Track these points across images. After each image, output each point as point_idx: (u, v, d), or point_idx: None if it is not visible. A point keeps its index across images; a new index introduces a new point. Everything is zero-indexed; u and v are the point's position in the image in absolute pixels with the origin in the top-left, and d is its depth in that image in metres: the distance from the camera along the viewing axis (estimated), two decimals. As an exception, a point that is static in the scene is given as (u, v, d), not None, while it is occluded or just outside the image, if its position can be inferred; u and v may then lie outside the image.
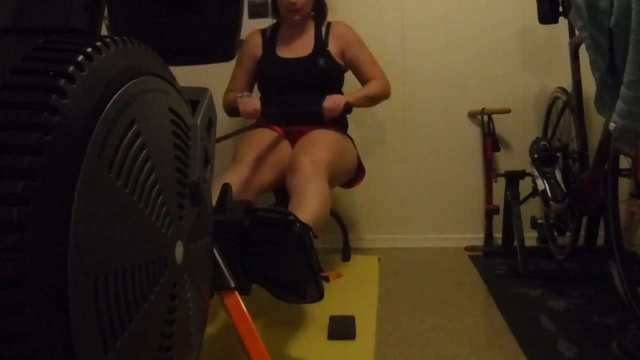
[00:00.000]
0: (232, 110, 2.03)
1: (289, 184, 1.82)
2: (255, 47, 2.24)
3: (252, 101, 2.02)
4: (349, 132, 2.25)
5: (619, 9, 1.43)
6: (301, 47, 2.20)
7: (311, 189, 1.73)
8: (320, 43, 2.21)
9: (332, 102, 2.00)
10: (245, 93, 2.10)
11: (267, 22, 2.46)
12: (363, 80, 2.24)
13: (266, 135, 2.06)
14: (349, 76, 2.30)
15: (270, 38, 2.25)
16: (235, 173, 1.84)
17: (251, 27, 2.33)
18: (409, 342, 1.55)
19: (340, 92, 2.20)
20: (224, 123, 2.24)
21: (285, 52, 2.20)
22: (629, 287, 1.60)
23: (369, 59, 2.24)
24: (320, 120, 2.03)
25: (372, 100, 2.20)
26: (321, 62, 2.16)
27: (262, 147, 1.98)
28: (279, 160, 1.99)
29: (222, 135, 2.00)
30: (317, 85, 2.14)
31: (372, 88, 2.18)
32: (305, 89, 2.12)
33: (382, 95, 2.22)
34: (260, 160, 1.93)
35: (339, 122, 2.15)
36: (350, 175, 2.17)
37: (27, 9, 0.71)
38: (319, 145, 1.94)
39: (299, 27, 2.23)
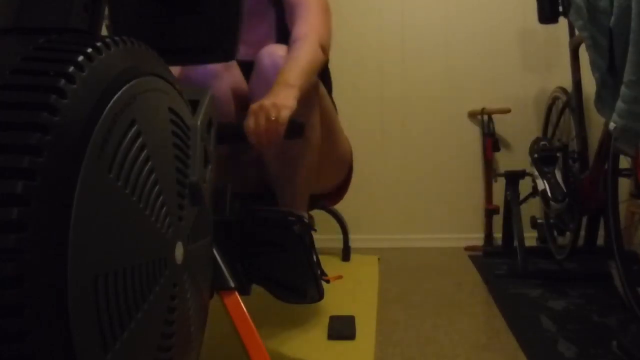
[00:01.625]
0: None
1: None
2: None
3: None
4: (347, 132, 1.88)
5: (619, 8, 1.43)
6: (261, 42, 1.56)
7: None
8: (285, 32, 1.56)
9: (260, 117, 1.16)
10: None
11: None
12: (290, 25, 1.51)
13: None
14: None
15: None
16: None
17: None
18: (409, 342, 1.55)
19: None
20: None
21: (242, 52, 1.49)
22: (629, 287, 1.60)
23: (303, 2, 1.50)
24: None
25: (314, 72, 1.38)
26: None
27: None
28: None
29: None
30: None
31: (303, 57, 1.35)
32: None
33: (319, 60, 1.41)
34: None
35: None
36: (340, 162, 1.72)
37: (27, 9, 0.71)
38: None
39: (255, 16, 1.62)
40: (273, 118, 1.13)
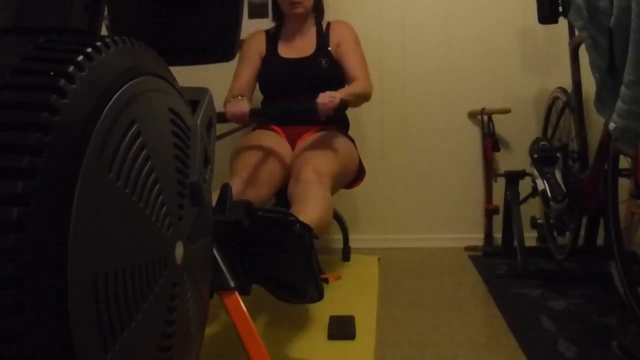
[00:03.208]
0: (219, 115, 1.87)
1: (291, 192, 1.81)
2: (261, 44, 2.22)
3: (240, 104, 1.93)
4: (349, 132, 2.24)
5: (619, 8, 1.43)
6: (303, 47, 2.19)
7: (314, 197, 1.72)
8: (322, 43, 2.20)
9: (326, 97, 1.91)
10: (239, 97, 2.02)
11: (266, 22, 2.46)
12: (348, 77, 2.16)
13: (264, 140, 2.03)
14: None
15: (273, 38, 2.24)
16: (233, 187, 1.74)
17: (251, 27, 2.33)
18: (409, 342, 1.54)
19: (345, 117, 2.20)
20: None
21: (287, 52, 2.20)
22: (629, 287, 1.60)
23: (357, 57, 2.18)
24: (315, 117, 1.94)
25: (358, 99, 2.10)
26: (323, 62, 2.15)
27: (259, 157, 1.94)
28: (278, 169, 1.97)
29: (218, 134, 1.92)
30: (319, 85, 2.08)
31: (357, 87, 2.10)
32: (307, 90, 2.08)
33: (366, 96, 2.13)
34: (257, 173, 1.90)
35: (339, 120, 2.13)
36: (351, 178, 2.16)
37: (27, 9, 0.71)
38: (322, 153, 1.93)
39: (301, 27, 2.22)
40: (331, 97, 1.92)
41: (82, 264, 0.58)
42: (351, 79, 2.14)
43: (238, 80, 2.17)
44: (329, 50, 2.18)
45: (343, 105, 1.94)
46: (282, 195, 2.00)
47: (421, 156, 2.73)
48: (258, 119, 2.06)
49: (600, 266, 2.06)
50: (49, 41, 0.64)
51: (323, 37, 2.22)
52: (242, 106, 1.92)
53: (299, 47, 2.20)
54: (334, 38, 2.21)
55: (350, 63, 2.16)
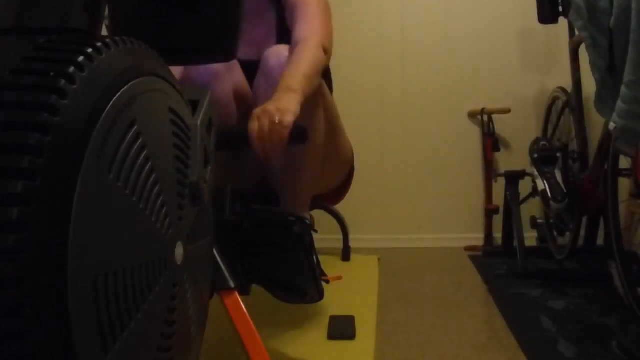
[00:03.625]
0: None
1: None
2: None
3: None
4: (347, 132, 1.92)
5: (619, 8, 1.43)
6: (261, 41, 1.60)
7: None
8: (284, 29, 1.57)
9: (264, 116, 1.14)
10: None
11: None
12: (291, 26, 1.51)
13: None
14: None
15: None
16: None
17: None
18: (409, 342, 1.55)
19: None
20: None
21: (243, 51, 1.45)
22: (629, 287, 1.60)
23: (303, 2, 1.48)
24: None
25: (317, 75, 1.37)
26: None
27: None
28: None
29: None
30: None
31: (305, 61, 1.33)
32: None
33: (322, 62, 1.40)
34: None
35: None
36: (341, 163, 1.73)
37: (27, 9, 0.71)
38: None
39: (255, 10, 1.61)
40: (277, 122, 1.10)
41: (82, 264, 0.58)
42: (294, 43, 1.42)
43: None
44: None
45: (300, 136, 1.15)
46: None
47: (421, 156, 2.73)
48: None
49: (600, 266, 2.06)
50: (49, 41, 0.64)
51: (284, 23, 1.58)
52: None
53: (256, 41, 1.60)
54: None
55: (293, 11, 1.48)
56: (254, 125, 1.12)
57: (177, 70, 1.42)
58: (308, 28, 1.42)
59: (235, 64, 1.49)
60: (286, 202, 1.53)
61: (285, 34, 1.53)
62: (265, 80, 1.40)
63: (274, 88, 1.26)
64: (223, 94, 1.42)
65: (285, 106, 1.14)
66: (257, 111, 1.15)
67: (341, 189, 1.85)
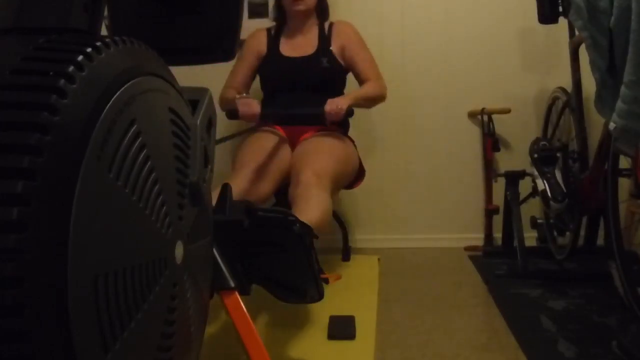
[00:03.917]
0: (231, 112, 2.02)
1: (291, 194, 1.81)
2: (260, 43, 2.25)
3: (252, 104, 2.00)
4: (349, 132, 2.24)
5: (619, 8, 1.43)
6: (305, 45, 2.20)
7: (314, 200, 1.72)
8: (324, 42, 2.21)
9: (334, 105, 1.98)
10: (244, 94, 2.09)
11: (266, 22, 2.46)
12: (360, 80, 2.23)
13: (266, 139, 2.05)
14: (351, 77, 2.30)
15: (274, 37, 2.25)
16: (234, 184, 1.75)
17: (251, 27, 2.33)
18: (409, 342, 1.55)
19: (342, 93, 2.21)
20: (222, 122, 2.23)
21: (289, 50, 2.21)
22: (629, 287, 1.60)
23: (367, 59, 2.23)
24: (321, 122, 2.03)
25: (370, 102, 2.18)
26: (324, 61, 2.16)
27: (261, 155, 1.97)
28: (279, 168, 1.99)
29: (222, 136, 1.96)
30: (320, 84, 2.15)
31: (369, 89, 2.16)
32: (308, 89, 2.13)
33: (379, 97, 2.19)
34: (259, 170, 1.92)
35: (341, 123, 2.15)
36: (351, 179, 2.16)
37: (27, 9, 0.71)
38: (322, 155, 1.94)
39: (303, 25, 2.23)
40: (339, 105, 1.99)
41: (82, 264, 0.58)
42: (363, 80, 2.19)
43: (234, 77, 2.23)
44: (331, 50, 2.20)
45: (349, 113, 2.00)
46: (282, 196, 2.01)
47: (421, 156, 2.73)
48: (267, 119, 2.07)
49: (600, 266, 2.06)
50: (49, 41, 0.64)
51: (325, 37, 2.23)
52: (254, 107, 2.00)
53: (301, 45, 2.21)
54: (336, 38, 2.22)
55: (360, 64, 2.20)
56: (327, 107, 1.99)
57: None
58: (377, 76, 2.22)
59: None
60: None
61: (323, 45, 2.21)
62: (297, 189, 1.83)
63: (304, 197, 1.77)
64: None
65: (342, 101, 2.02)
66: (329, 100, 2.00)
67: (355, 180, 2.23)
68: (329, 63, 2.17)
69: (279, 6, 2.28)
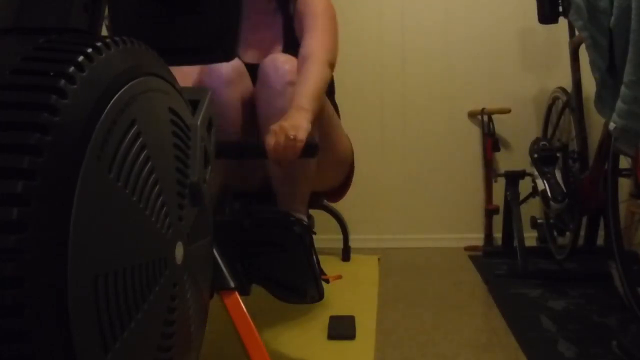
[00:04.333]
0: None
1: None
2: None
3: None
4: (347, 132, 1.91)
5: (619, 8, 1.43)
6: (267, 45, 1.64)
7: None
8: (291, 35, 1.62)
9: (280, 134, 1.21)
10: None
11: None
12: (299, 35, 1.57)
13: None
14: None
15: None
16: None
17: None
18: (409, 342, 1.55)
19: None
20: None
21: (249, 54, 1.64)
22: (629, 287, 1.60)
23: (312, 13, 1.54)
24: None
25: (323, 93, 1.44)
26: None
27: None
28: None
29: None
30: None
31: (314, 79, 1.40)
32: None
33: (327, 78, 1.48)
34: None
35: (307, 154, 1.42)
36: (341, 162, 1.74)
37: (27, 9, 0.71)
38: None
39: (262, 15, 1.66)
40: (292, 137, 1.19)
41: (82, 264, 0.58)
42: (302, 56, 1.47)
43: None
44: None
45: (311, 148, 1.25)
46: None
47: (421, 156, 2.73)
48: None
49: (600, 266, 2.06)
50: (49, 41, 0.64)
51: (291, 27, 1.62)
52: None
53: (263, 45, 1.64)
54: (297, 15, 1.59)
55: (302, 21, 1.55)
56: (270, 140, 1.22)
57: (190, 76, 1.46)
58: (315, 43, 1.49)
59: (244, 69, 1.51)
60: (283, 202, 1.53)
61: (291, 38, 1.60)
62: (263, 87, 1.45)
63: (271, 94, 1.38)
64: (231, 99, 1.46)
65: (298, 123, 1.23)
66: (274, 127, 1.24)
67: (342, 187, 1.87)
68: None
69: None
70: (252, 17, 1.65)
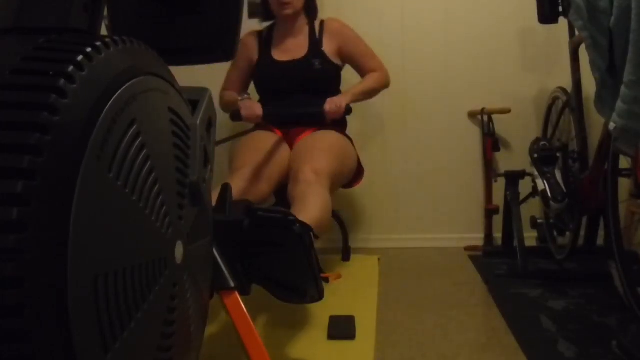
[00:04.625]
0: (234, 114, 2.04)
1: (291, 193, 1.82)
2: (251, 49, 2.25)
3: (254, 106, 2.04)
4: (347, 131, 2.25)
5: (619, 8, 1.43)
6: (296, 48, 2.20)
7: (313, 198, 1.72)
8: (315, 43, 2.21)
9: (333, 105, 2.01)
10: (245, 95, 2.11)
11: (265, 22, 2.46)
12: (362, 73, 2.26)
13: (264, 140, 2.06)
14: (347, 75, 2.30)
15: (266, 40, 2.25)
16: (233, 184, 1.68)
17: (251, 27, 2.33)
18: (409, 342, 1.55)
19: (338, 92, 2.21)
20: (220, 123, 2.24)
21: (280, 54, 2.21)
22: (629, 287, 1.60)
23: (366, 52, 2.26)
24: (321, 122, 2.05)
25: (371, 94, 2.23)
26: (316, 63, 2.17)
27: (259, 155, 1.98)
28: (278, 168, 1.99)
29: (221, 138, 1.96)
30: (314, 86, 2.15)
31: (370, 82, 2.20)
32: (303, 91, 2.14)
33: (381, 87, 2.25)
34: (258, 170, 1.93)
35: (338, 122, 2.15)
36: (350, 177, 2.17)
37: (27, 9, 0.71)
38: (321, 152, 1.94)
39: (293, 27, 2.23)
40: (337, 104, 2.04)
41: (82, 264, 0.58)
42: (366, 74, 2.24)
43: (230, 83, 2.27)
44: (323, 51, 2.19)
45: (348, 111, 2.05)
46: (282, 195, 2.02)
47: (421, 156, 2.73)
48: (269, 120, 2.09)
49: (600, 266, 2.06)
50: (49, 41, 0.64)
51: (315, 38, 2.22)
52: (256, 109, 2.03)
53: (292, 48, 2.20)
54: (327, 37, 2.22)
55: (360, 60, 2.25)
56: (327, 105, 2.04)
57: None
58: (378, 66, 2.27)
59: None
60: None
61: (315, 45, 2.20)
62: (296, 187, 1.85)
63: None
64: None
65: (341, 99, 2.07)
66: (329, 99, 2.05)
67: (354, 179, 2.24)
68: (321, 65, 2.17)
69: (265, 7, 2.25)
70: (284, 26, 2.24)
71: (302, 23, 2.24)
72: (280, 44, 2.23)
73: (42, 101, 0.56)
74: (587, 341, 1.48)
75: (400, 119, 2.72)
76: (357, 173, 2.22)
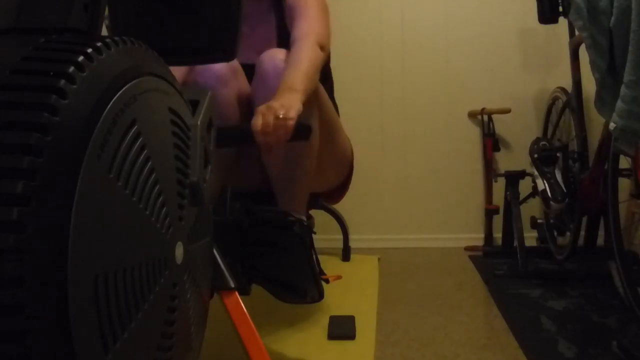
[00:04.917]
0: None
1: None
2: None
3: None
4: (347, 132, 2.07)
5: (619, 8, 1.43)
6: (262, 44, 1.63)
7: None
8: (284, 33, 1.61)
9: (269, 114, 1.15)
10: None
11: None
12: (289, 25, 1.56)
13: None
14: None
15: None
16: None
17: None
18: (409, 342, 1.55)
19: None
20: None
21: (245, 54, 1.53)
22: (629, 287, 1.60)
23: (302, 3, 1.52)
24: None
25: (315, 74, 1.38)
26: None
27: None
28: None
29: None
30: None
31: (304, 60, 1.35)
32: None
33: (319, 60, 1.42)
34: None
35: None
36: (340, 162, 1.72)
37: (27, 9, 0.71)
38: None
39: (256, 14, 1.66)
40: (281, 116, 1.12)
41: (83, 264, 0.58)
42: (293, 40, 1.46)
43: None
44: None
45: (303, 130, 1.23)
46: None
47: (421, 156, 2.73)
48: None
49: (600, 266, 2.06)
50: (49, 41, 0.64)
51: (284, 26, 1.61)
52: None
53: (257, 45, 1.62)
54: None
55: (292, 12, 1.53)
56: (257, 121, 1.14)
57: (179, 73, 1.45)
58: (306, 26, 1.45)
59: (239, 69, 1.51)
60: (282, 201, 1.53)
61: (285, 37, 1.56)
62: (261, 83, 1.42)
63: (270, 91, 1.29)
64: (227, 99, 1.45)
65: (288, 103, 1.16)
66: (261, 108, 1.16)
67: (341, 187, 1.85)
68: None
69: None
70: (246, 18, 1.59)
71: (268, 6, 1.66)
72: (245, 40, 1.55)
73: (42, 101, 0.56)
74: (587, 341, 1.48)
75: (400, 119, 2.72)
76: (346, 178, 1.83)
